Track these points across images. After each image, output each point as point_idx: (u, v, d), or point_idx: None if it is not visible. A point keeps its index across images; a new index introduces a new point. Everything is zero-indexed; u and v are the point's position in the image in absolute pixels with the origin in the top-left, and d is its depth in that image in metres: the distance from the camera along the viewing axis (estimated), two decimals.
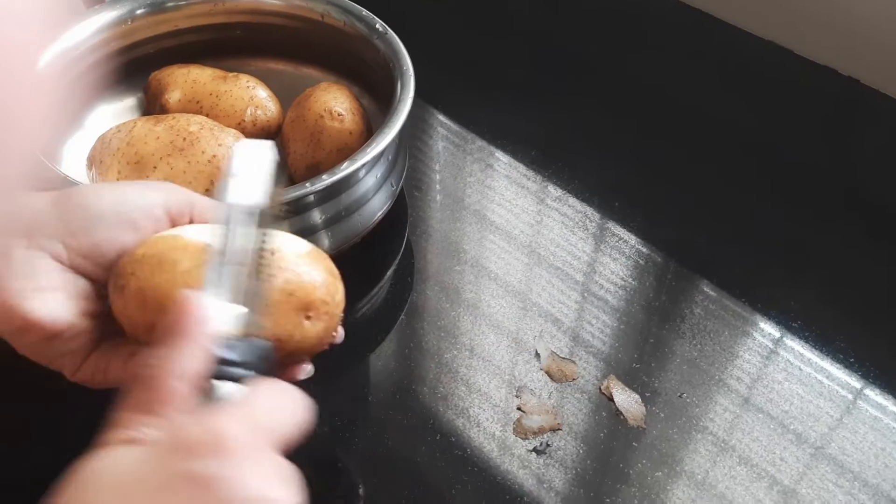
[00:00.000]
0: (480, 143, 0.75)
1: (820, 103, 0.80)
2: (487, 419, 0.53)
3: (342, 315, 0.43)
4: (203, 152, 0.59)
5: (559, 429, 0.53)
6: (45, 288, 0.38)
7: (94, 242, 0.39)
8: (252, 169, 0.39)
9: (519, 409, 0.54)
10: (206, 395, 0.33)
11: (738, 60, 0.84)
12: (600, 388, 0.55)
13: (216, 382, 0.33)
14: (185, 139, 0.59)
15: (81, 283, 0.40)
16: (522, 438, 0.52)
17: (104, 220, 0.39)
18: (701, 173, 0.73)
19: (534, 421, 0.53)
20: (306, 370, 0.43)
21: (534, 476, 0.50)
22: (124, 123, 0.61)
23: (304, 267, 0.41)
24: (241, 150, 0.40)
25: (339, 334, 0.44)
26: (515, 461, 0.51)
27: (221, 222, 0.37)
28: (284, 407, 0.33)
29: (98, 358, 0.40)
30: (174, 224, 0.42)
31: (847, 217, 0.69)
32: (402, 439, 0.53)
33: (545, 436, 0.52)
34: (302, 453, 0.51)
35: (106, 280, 0.40)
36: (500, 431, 0.53)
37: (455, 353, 0.57)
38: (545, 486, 0.50)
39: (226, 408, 0.32)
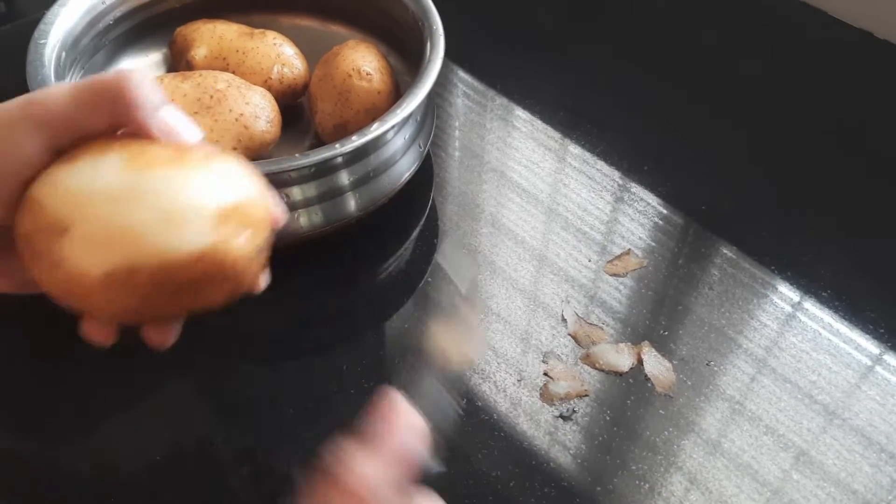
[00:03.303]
0: (507, 102, 0.74)
1: (853, 66, 0.78)
2: (513, 384, 0.53)
3: (265, 244, 0.36)
4: (230, 110, 0.59)
5: (586, 395, 0.53)
6: None
7: (82, 115, 0.32)
8: None
9: (545, 374, 0.54)
10: None
11: (775, 22, 0.82)
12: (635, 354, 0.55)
13: None
14: (212, 97, 0.59)
15: None
16: (549, 404, 0.52)
17: (89, 93, 0.32)
18: (734, 137, 0.72)
19: (560, 387, 0.53)
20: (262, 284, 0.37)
21: (559, 442, 0.51)
22: None
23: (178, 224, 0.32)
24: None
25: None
26: (541, 427, 0.51)
27: None
28: None
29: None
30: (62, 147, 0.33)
31: (884, 187, 0.68)
32: (427, 403, 0.53)
33: (572, 402, 0.53)
34: (324, 415, 0.51)
35: None
36: (527, 397, 0.53)
37: (481, 317, 0.57)
38: (571, 452, 0.50)
39: None
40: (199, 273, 0.32)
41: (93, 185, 0.32)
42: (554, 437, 0.51)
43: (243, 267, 0.34)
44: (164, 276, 0.32)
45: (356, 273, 0.61)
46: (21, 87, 0.55)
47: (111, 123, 0.33)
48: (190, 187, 0.32)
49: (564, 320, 0.57)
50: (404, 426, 0.34)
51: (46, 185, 0.32)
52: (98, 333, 0.34)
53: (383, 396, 0.34)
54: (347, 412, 0.53)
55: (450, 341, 0.53)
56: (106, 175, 0.32)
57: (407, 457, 0.33)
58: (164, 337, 0.35)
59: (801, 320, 0.58)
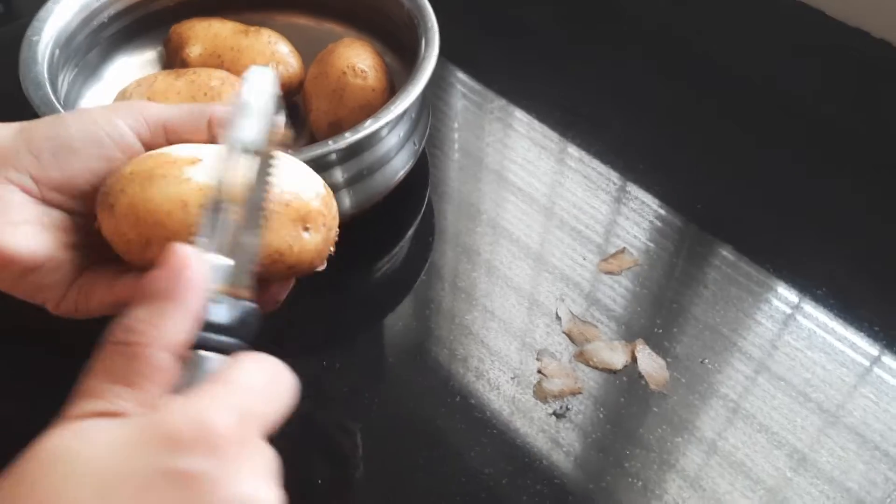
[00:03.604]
0: (505, 102, 0.74)
1: (849, 65, 0.78)
2: (507, 382, 0.53)
3: (337, 230, 0.43)
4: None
5: (579, 392, 0.53)
6: (18, 222, 0.37)
7: (66, 175, 0.38)
8: (257, 102, 0.37)
9: (539, 371, 0.54)
10: (190, 366, 0.30)
11: (771, 21, 0.82)
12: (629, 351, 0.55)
13: (201, 354, 0.31)
14: (205, 94, 0.59)
15: (56, 215, 0.39)
16: (542, 402, 0.52)
17: (74, 152, 0.38)
18: (730, 137, 0.72)
19: (554, 384, 0.53)
20: (287, 287, 0.43)
21: (553, 440, 0.50)
22: (144, 77, 0.61)
23: (300, 178, 0.41)
24: (247, 80, 0.38)
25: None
26: (535, 424, 0.51)
27: (222, 160, 0.35)
28: (271, 387, 0.31)
29: (80, 287, 0.40)
30: (149, 147, 0.40)
31: (880, 186, 0.68)
32: (420, 400, 0.53)
33: (565, 399, 0.52)
34: (318, 413, 0.51)
35: (80, 210, 0.40)
36: (520, 394, 0.53)
37: (475, 314, 0.57)
38: (564, 449, 0.50)
39: (210, 389, 0.28)
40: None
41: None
42: (547, 434, 0.51)
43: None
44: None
45: (350, 271, 0.61)
46: (18, 87, 0.55)
47: (207, 139, 0.41)
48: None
49: (559, 318, 0.57)
50: (195, 280, 0.30)
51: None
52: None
53: (171, 252, 0.31)
54: (342, 411, 0.53)
55: None
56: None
57: (199, 312, 0.31)
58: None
59: (796, 319, 0.58)
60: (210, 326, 0.31)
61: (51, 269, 0.39)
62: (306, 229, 0.40)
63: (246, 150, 0.35)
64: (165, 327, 0.29)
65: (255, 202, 0.35)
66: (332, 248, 0.43)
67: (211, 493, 0.26)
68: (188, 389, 0.29)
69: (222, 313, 0.32)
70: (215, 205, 0.34)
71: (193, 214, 0.37)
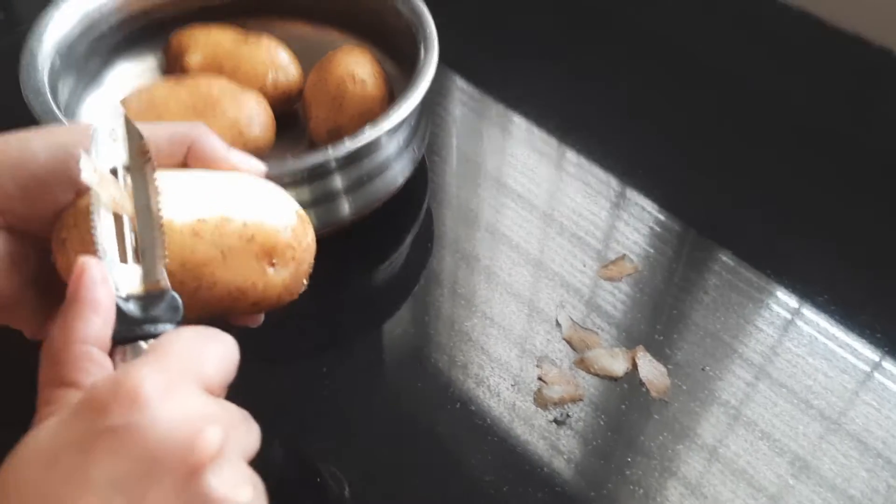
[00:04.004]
0: (504, 109, 0.74)
1: (850, 72, 0.78)
2: (507, 389, 0.53)
3: (312, 262, 0.41)
4: (225, 116, 0.59)
5: (580, 400, 0.52)
6: None
7: (34, 208, 0.37)
8: (108, 127, 0.37)
9: (540, 378, 0.53)
10: (131, 357, 0.32)
11: (772, 29, 0.82)
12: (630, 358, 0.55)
13: (139, 344, 0.33)
14: (206, 102, 0.59)
15: (24, 247, 0.38)
16: (543, 409, 0.52)
17: (43, 185, 0.36)
18: (730, 143, 0.72)
19: (554, 391, 0.53)
20: (257, 320, 0.42)
21: (554, 447, 0.50)
22: (145, 86, 0.61)
23: (267, 207, 0.39)
24: (99, 124, 0.38)
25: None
26: (536, 432, 0.51)
27: (95, 184, 0.35)
28: (203, 347, 0.32)
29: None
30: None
31: (881, 192, 0.68)
32: (420, 407, 0.52)
33: (566, 406, 0.52)
34: (316, 418, 0.51)
35: (48, 234, 0.38)
36: (521, 401, 0.52)
37: (475, 321, 0.57)
38: (565, 457, 0.50)
39: (137, 359, 0.30)
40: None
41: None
42: (548, 441, 0.51)
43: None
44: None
45: (350, 278, 0.60)
46: (19, 93, 0.55)
47: (183, 162, 0.39)
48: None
49: (559, 325, 0.57)
50: (93, 280, 0.32)
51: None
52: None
53: (77, 264, 0.32)
54: (340, 418, 0.52)
55: None
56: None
57: (108, 305, 0.32)
58: None
59: (797, 326, 0.57)
60: (137, 320, 0.33)
61: (19, 304, 0.38)
62: (272, 265, 0.39)
63: (116, 168, 0.36)
64: (77, 325, 0.31)
65: (142, 209, 0.36)
66: (305, 282, 0.42)
67: (142, 438, 0.27)
68: None
69: (146, 307, 0.34)
70: (108, 221, 0.35)
71: None
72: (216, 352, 0.32)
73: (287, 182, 0.54)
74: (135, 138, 0.37)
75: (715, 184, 0.68)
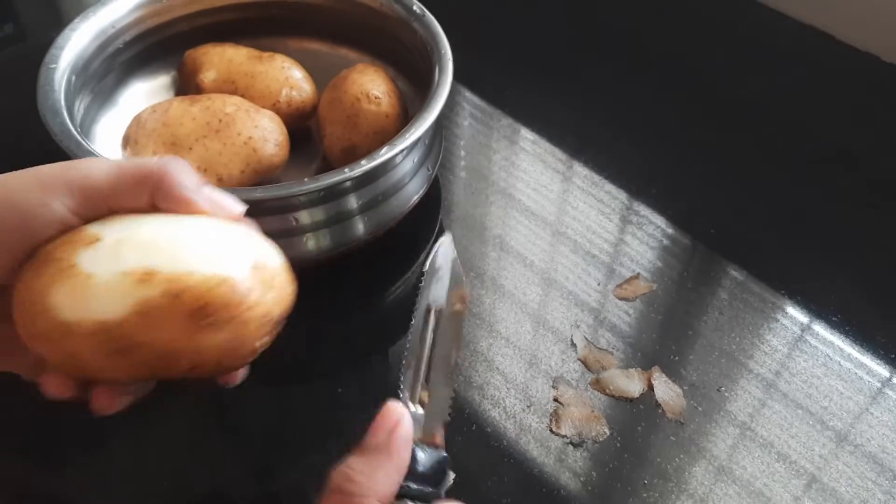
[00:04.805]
0: (514, 123, 0.75)
1: (860, 89, 0.78)
2: (523, 410, 0.53)
3: (274, 319, 0.35)
4: (239, 134, 0.59)
5: (596, 421, 0.52)
6: None
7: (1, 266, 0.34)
8: (445, 266, 0.38)
9: (555, 400, 0.53)
10: None
11: (782, 47, 0.82)
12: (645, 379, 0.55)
13: (406, 501, 0.33)
14: (220, 120, 0.59)
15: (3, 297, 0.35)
16: (559, 430, 0.52)
17: (3, 244, 0.33)
18: (742, 161, 0.72)
19: (570, 413, 0.53)
20: (232, 379, 0.38)
21: (570, 469, 0.50)
22: (160, 104, 0.61)
23: (207, 260, 0.33)
24: (439, 246, 0.39)
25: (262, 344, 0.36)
26: (552, 454, 0.51)
27: (417, 321, 0.37)
28: None
29: None
30: (89, 218, 0.35)
31: (892, 209, 0.68)
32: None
33: (582, 428, 0.52)
34: (331, 440, 0.51)
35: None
36: (537, 423, 0.52)
37: (491, 341, 0.57)
38: (582, 479, 0.50)
39: None
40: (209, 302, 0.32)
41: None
42: (564, 464, 0.51)
43: (252, 318, 0.34)
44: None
45: (364, 297, 0.60)
46: (28, 108, 0.55)
47: (150, 203, 0.35)
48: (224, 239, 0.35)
49: (574, 345, 0.57)
50: (406, 436, 0.34)
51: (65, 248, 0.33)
52: (57, 387, 0.35)
53: (387, 409, 0.34)
54: (355, 437, 0.52)
55: None
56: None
57: (406, 465, 0.34)
58: (113, 402, 0.36)
59: (811, 344, 0.57)
60: (411, 475, 0.34)
61: (14, 352, 0.36)
62: (202, 327, 0.32)
63: (434, 309, 0.37)
64: (379, 479, 0.32)
65: (444, 356, 0.37)
66: (259, 345, 0.35)
67: None
68: None
69: (421, 462, 0.34)
70: (410, 361, 0.36)
71: (75, 310, 0.32)
72: None
73: (302, 202, 0.54)
74: (457, 283, 0.38)
75: (729, 202, 0.68)
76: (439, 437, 0.36)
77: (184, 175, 0.35)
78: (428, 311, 0.37)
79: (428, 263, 0.38)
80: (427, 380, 0.36)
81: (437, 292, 0.38)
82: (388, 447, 0.33)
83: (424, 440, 0.35)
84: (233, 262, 0.34)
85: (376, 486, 0.32)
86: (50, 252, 0.33)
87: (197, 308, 0.32)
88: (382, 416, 0.34)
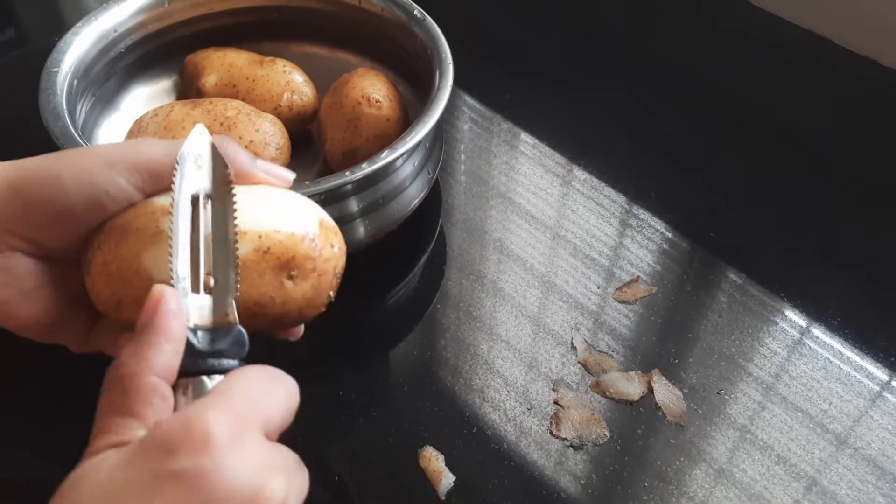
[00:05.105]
0: (513, 128, 0.75)
1: (859, 94, 0.78)
2: (523, 413, 0.53)
3: (339, 272, 0.40)
4: (240, 137, 0.59)
5: (596, 424, 0.52)
6: (30, 289, 0.37)
7: (68, 240, 0.37)
8: (195, 152, 0.37)
9: (556, 402, 0.54)
10: (192, 392, 0.32)
11: (781, 52, 0.83)
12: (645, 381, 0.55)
13: (202, 378, 0.33)
14: (222, 124, 0.59)
15: (65, 271, 0.38)
16: (559, 433, 0.52)
17: (74, 218, 0.37)
18: (741, 165, 0.72)
19: (571, 415, 0.53)
20: (296, 333, 0.42)
21: (570, 472, 0.50)
22: (161, 107, 0.61)
23: (285, 217, 0.38)
24: (187, 139, 0.38)
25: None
26: (552, 457, 0.51)
27: (175, 206, 0.35)
28: (268, 390, 0.32)
29: (99, 331, 0.40)
30: (152, 196, 0.38)
31: (892, 212, 0.68)
32: (437, 432, 0.52)
33: (582, 431, 0.52)
34: (332, 443, 0.51)
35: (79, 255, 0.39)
36: (537, 426, 0.52)
37: (490, 344, 0.57)
38: (582, 482, 0.50)
39: (202, 400, 0.30)
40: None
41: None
42: (564, 466, 0.51)
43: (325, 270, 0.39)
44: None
45: (364, 300, 0.61)
46: (30, 112, 0.55)
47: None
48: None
49: (574, 348, 0.57)
50: (171, 311, 0.32)
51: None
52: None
53: (150, 292, 0.33)
54: (357, 441, 0.52)
55: None
56: None
57: (180, 337, 0.32)
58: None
59: (810, 348, 0.58)
60: (203, 354, 0.33)
61: (65, 323, 0.39)
62: (290, 277, 0.37)
63: (197, 195, 0.36)
64: (149, 355, 0.31)
65: (220, 239, 0.36)
66: (331, 294, 0.40)
67: (210, 486, 0.27)
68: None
69: (212, 340, 0.34)
70: (185, 249, 0.35)
71: (165, 269, 0.35)
72: (280, 396, 0.32)
73: None
74: (220, 167, 0.37)
75: (729, 206, 0.68)
76: (232, 315, 0.35)
77: (238, 151, 0.39)
78: (195, 200, 0.36)
79: (180, 153, 0.36)
80: (209, 265, 0.35)
81: (199, 179, 0.36)
82: (154, 324, 0.32)
83: (217, 322, 0.34)
84: (306, 220, 0.39)
85: (148, 363, 0.31)
86: (129, 222, 0.36)
87: (286, 261, 0.37)
88: (147, 299, 0.32)
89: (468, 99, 0.78)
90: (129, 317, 0.36)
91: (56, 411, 0.53)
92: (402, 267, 0.64)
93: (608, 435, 0.52)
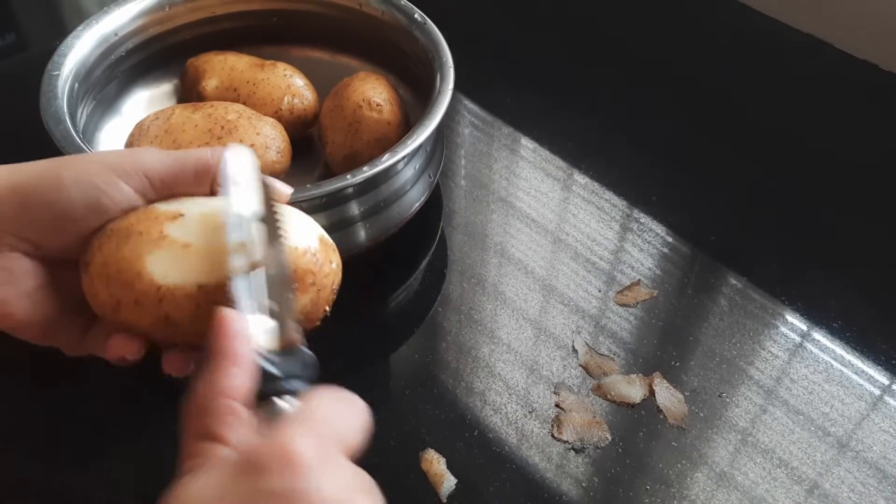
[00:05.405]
0: (514, 132, 0.75)
1: (859, 98, 0.79)
2: (524, 416, 0.53)
3: (336, 288, 0.41)
4: (241, 141, 0.59)
5: (597, 427, 0.52)
6: (30, 290, 0.37)
7: (68, 242, 0.38)
8: (241, 173, 0.38)
9: (557, 405, 0.53)
10: (266, 413, 0.33)
11: (781, 56, 0.83)
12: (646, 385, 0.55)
13: (273, 400, 0.33)
14: (222, 127, 0.59)
15: (58, 272, 0.38)
16: (560, 436, 0.52)
17: (75, 221, 0.37)
18: (742, 169, 0.72)
19: (572, 419, 0.53)
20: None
21: (572, 475, 0.50)
22: (162, 111, 0.61)
23: (286, 234, 0.38)
24: (231, 156, 0.39)
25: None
26: (553, 460, 0.51)
27: (234, 231, 0.36)
28: (344, 413, 0.33)
29: (94, 335, 0.40)
30: (151, 201, 0.39)
31: (893, 217, 0.68)
32: (438, 435, 0.52)
33: (583, 434, 0.52)
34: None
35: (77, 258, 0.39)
36: (538, 429, 0.52)
37: (491, 347, 0.57)
38: (584, 485, 0.50)
39: (287, 422, 0.31)
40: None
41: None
42: (566, 469, 0.51)
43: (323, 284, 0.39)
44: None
45: (365, 303, 0.61)
46: (31, 116, 0.55)
47: (212, 192, 0.39)
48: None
49: (575, 351, 0.57)
50: (239, 335, 0.33)
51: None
52: (127, 348, 0.38)
53: (217, 319, 0.33)
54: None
55: None
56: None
57: (251, 361, 0.33)
58: (184, 365, 0.39)
59: (811, 351, 0.58)
60: (275, 378, 0.33)
61: (64, 327, 0.39)
62: (290, 291, 0.37)
63: (248, 219, 0.36)
64: (222, 380, 0.32)
65: (275, 263, 0.36)
66: (327, 309, 0.41)
67: None
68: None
69: (282, 364, 0.34)
70: (243, 272, 0.35)
71: (167, 273, 0.36)
72: (354, 418, 0.33)
73: (304, 208, 0.54)
74: (264, 188, 0.37)
75: (729, 210, 0.68)
76: (298, 339, 0.35)
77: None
78: (245, 221, 0.36)
79: (222, 173, 0.37)
80: (268, 290, 0.35)
81: (245, 200, 0.37)
82: (224, 350, 0.32)
83: (284, 346, 0.35)
84: (307, 235, 0.39)
85: (221, 387, 0.31)
86: (131, 226, 0.37)
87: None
88: (215, 326, 0.33)
89: (469, 103, 0.78)
90: (127, 318, 0.36)
91: (56, 412, 0.53)
92: (403, 270, 0.64)
93: (609, 438, 0.52)
